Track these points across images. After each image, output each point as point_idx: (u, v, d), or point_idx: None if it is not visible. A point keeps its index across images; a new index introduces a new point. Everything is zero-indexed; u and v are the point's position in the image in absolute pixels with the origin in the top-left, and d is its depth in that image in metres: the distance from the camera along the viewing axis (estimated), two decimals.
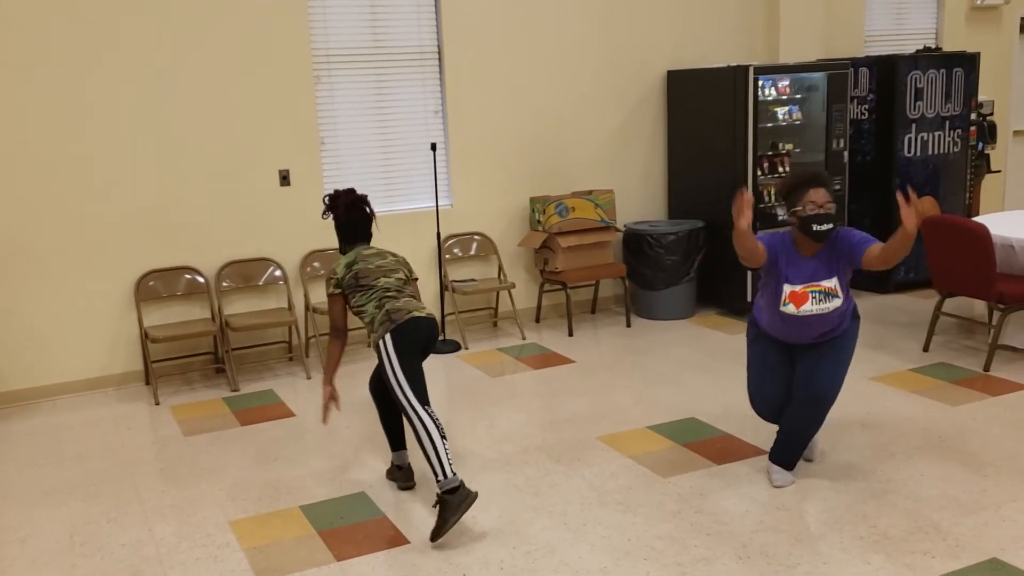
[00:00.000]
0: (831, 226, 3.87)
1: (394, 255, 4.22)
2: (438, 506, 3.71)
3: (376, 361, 4.08)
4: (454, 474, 3.73)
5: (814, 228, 3.86)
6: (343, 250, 4.34)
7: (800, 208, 3.88)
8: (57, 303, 5.75)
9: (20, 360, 5.71)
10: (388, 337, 3.90)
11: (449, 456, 3.76)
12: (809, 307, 3.93)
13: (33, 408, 5.63)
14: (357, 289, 4.05)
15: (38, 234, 5.64)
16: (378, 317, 3.96)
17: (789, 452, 4.15)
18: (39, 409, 5.61)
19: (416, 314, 3.96)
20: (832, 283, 3.94)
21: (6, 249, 5.58)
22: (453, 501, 3.68)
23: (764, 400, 4.20)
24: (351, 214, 4.25)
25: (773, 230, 4.17)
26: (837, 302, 3.94)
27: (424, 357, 4.04)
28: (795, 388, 4.07)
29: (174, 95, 5.86)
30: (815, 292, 3.94)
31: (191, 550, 3.76)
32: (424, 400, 3.87)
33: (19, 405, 5.68)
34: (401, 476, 4.31)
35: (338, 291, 4.11)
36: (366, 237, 4.28)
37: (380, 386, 4.22)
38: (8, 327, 5.65)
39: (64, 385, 5.82)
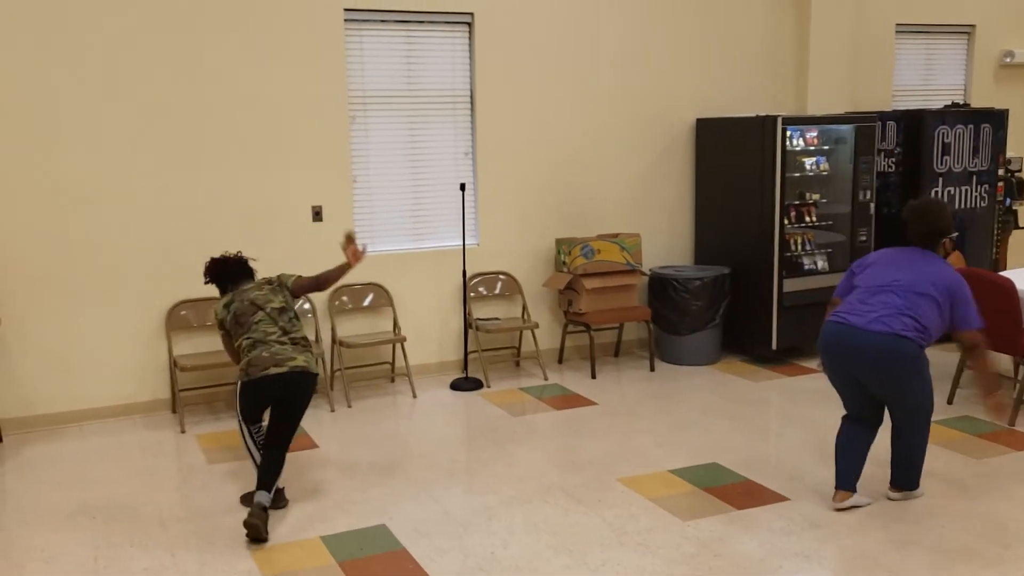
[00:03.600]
0: None
1: (268, 281, 4.62)
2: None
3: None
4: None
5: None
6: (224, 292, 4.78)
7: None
8: (89, 330, 5.86)
9: (49, 385, 5.81)
10: (239, 385, 4.40)
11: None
12: None
13: (60, 432, 5.72)
14: (238, 327, 4.49)
15: (74, 263, 5.77)
16: (242, 364, 4.41)
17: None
18: (66, 434, 5.70)
19: (272, 371, 4.27)
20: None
21: (40, 276, 5.71)
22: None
23: None
24: (217, 268, 4.71)
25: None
26: None
27: (286, 405, 4.34)
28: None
29: (213, 130, 6.01)
30: None
31: None
32: (256, 420, 4.44)
33: (47, 429, 5.77)
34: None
35: (223, 330, 4.61)
36: (246, 276, 4.70)
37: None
38: (39, 353, 5.76)
39: (92, 411, 5.91)
